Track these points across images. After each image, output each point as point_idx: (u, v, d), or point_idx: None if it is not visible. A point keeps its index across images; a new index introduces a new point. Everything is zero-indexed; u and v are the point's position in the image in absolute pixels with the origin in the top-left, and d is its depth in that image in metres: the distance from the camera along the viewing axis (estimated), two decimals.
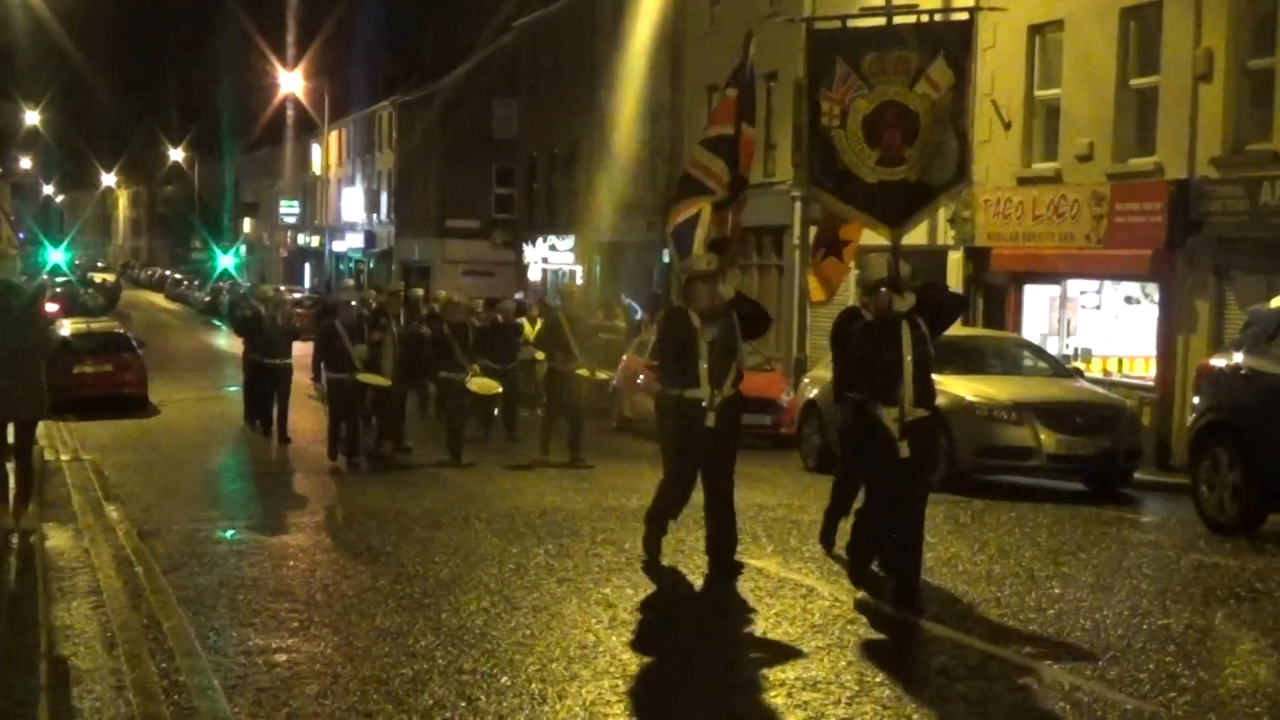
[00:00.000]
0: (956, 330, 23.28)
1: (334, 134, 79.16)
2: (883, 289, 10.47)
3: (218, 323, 69.78)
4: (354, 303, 21.85)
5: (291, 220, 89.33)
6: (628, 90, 41.58)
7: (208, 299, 77.16)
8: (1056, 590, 11.07)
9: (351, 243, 77.39)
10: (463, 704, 7.85)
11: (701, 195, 12.73)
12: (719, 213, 12.62)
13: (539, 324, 24.50)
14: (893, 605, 10.13)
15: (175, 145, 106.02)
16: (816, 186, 12.93)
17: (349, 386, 19.90)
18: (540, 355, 21.77)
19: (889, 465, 10.27)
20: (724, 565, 11.43)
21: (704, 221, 12.55)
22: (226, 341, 50.54)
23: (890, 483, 10.31)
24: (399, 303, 23.31)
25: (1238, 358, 14.39)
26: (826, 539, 12.54)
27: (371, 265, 74.68)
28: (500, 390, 22.15)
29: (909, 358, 10.29)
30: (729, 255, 12.73)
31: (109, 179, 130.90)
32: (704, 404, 11.23)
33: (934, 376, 17.97)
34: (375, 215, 74.42)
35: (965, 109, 12.82)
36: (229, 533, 14.38)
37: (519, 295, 38.74)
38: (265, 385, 23.87)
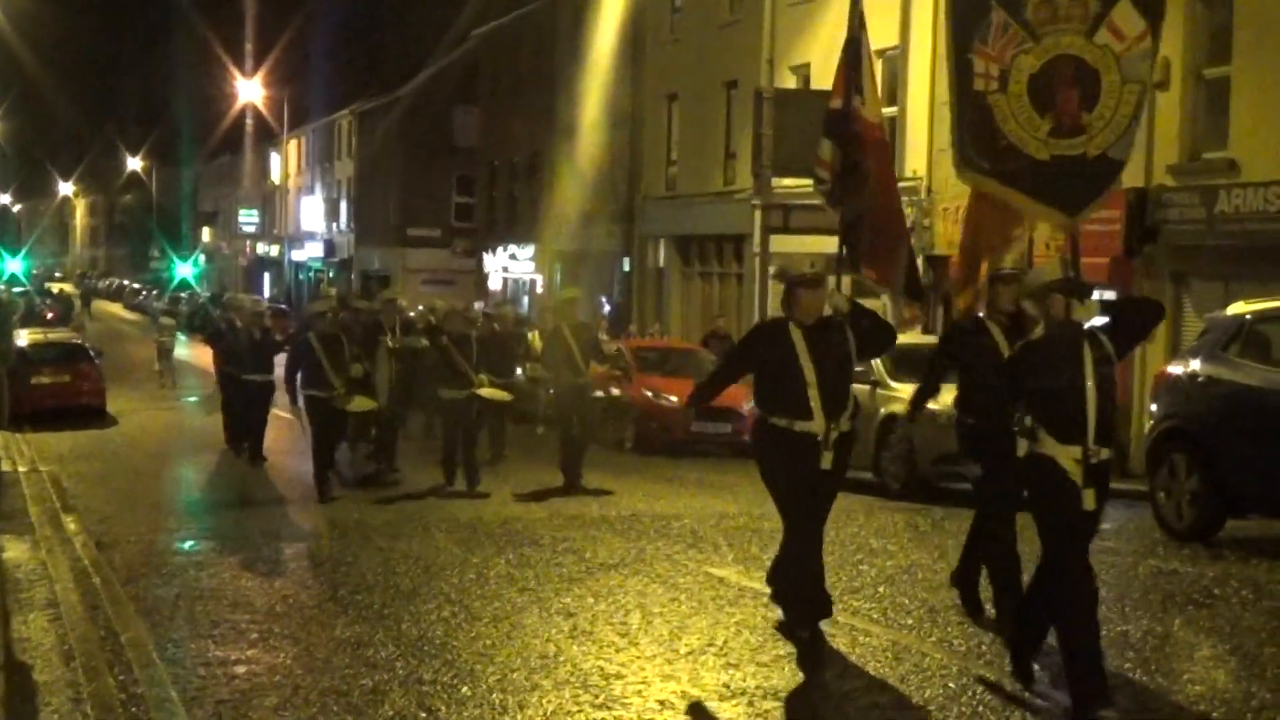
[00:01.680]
0: (915, 338, 23.44)
1: (293, 142, 78.90)
2: (1057, 295, 8.21)
3: (179, 334, 69.34)
4: (328, 313, 19.35)
5: (251, 229, 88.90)
6: (588, 98, 41.61)
7: (166, 308, 76.74)
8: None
9: (311, 252, 77.11)
10: (423, 715, 7.83)
11: (822, 186, 11.01)
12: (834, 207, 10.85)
13: (537, 336, 22.64)
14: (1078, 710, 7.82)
15: (133, 154, 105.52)
16: (969, 169, 10.69)
17: (325, 407, 17.86)
18: (539, 372, 19.85)
19: (1073, 520, 8.04)
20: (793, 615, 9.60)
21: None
22: (186, 352, 50.25)
23: (1075, 542, 8.06)
24: (395, 312, 21.03)
25: (1195, 365, 14.46)
26: (969, 598, 10.39)
27: (331, 274, 74.41)
28: (511, 399, 20.26)
29: (1090, 382, 8.03)
30: (857, 256, 10.77)
31: (66, 188, 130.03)
32: (819, 439, 9.28)
33: (894, 385, 18.35)
34: (335, 224, 74.16)
35: (1153, 66, 10.63)
36: (188, 543, 14.31)
37: (479, 304, 38.61)
38: (242, 403, 21.64)
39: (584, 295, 41.67)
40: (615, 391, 20.67)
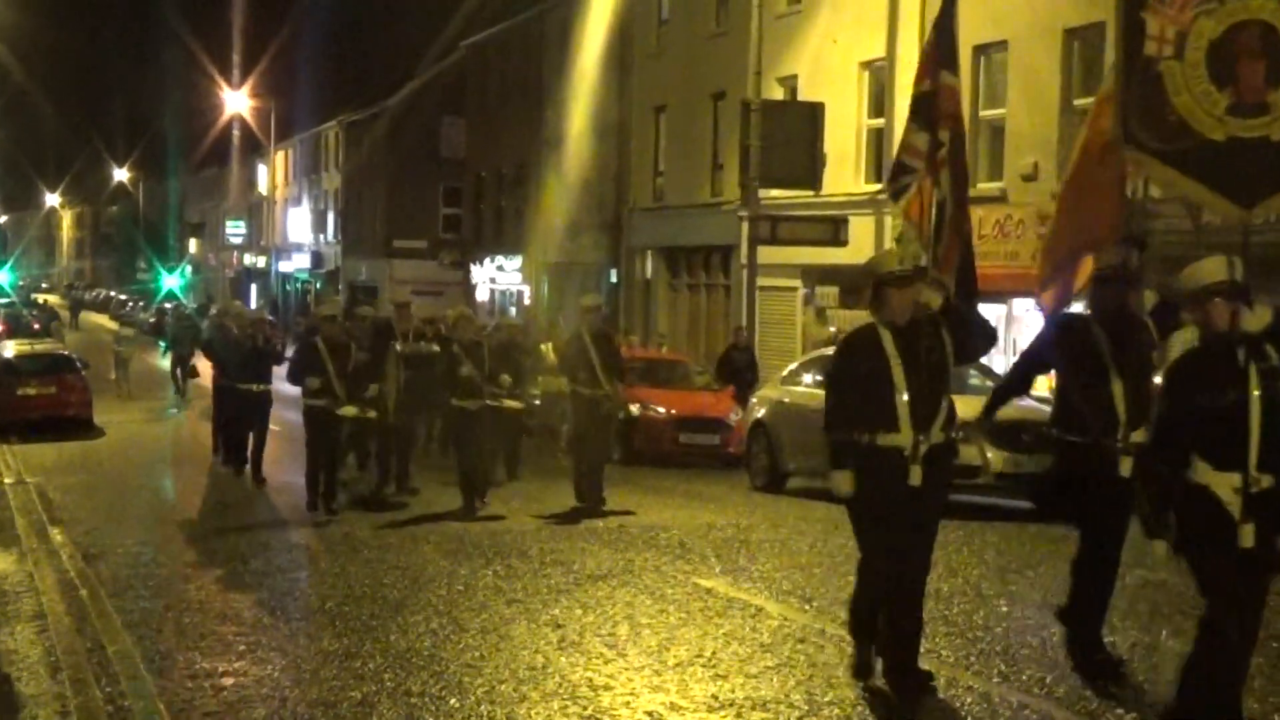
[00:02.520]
0: None
1: (280, 154, 78.84)
2: (1219, 299, 7.23)
3: (162, 343, 69.26)
4: (336, 317, 18.07)
5: (238, 240, 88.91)
6: (576, 110, 41.65)
7: (153, 320, 76.65)
8: (1004, 608, 11.12)
9: (298, 263, 77.07)
10: None
11: (908, 177, 10.30)
12: (919, 194, 10.13)
13: (551, 348, 22.60)
14: None
15: (120, 165, 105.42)
16: (1133, 147, 9.51)
17: (325, 417, 16.91)
18: (554, 385, 19.02)
19: (1230, 560, 7.13)
20: (902, 670, 8.41)
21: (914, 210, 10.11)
22: (167, 363, 50.17)
23: (1231, 588, 7.21)
24: (409, 319, 19.57)
25: None
26: (1088, 655, 8.95)
27: (319, 285, 74.38)
28: (524, 408, 19.32)
29: (1255, 400, 7.03)
30: (937, 252, 9.92)
31: (53, 199, 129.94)
32: (905, 453, 8.23)
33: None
34: (322, 235, 74.13)
35: None
36: (174, 555, 14.25)
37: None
38: (240, 415, 20.78)
39: (572, 307, 41.80)
40: (634, 409, 18.92)
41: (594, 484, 17.14)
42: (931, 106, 10.00)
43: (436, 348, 18.36)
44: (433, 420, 21.67)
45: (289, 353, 20.64)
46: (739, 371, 25.73)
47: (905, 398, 8.18)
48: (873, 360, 8.28)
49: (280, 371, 20.22)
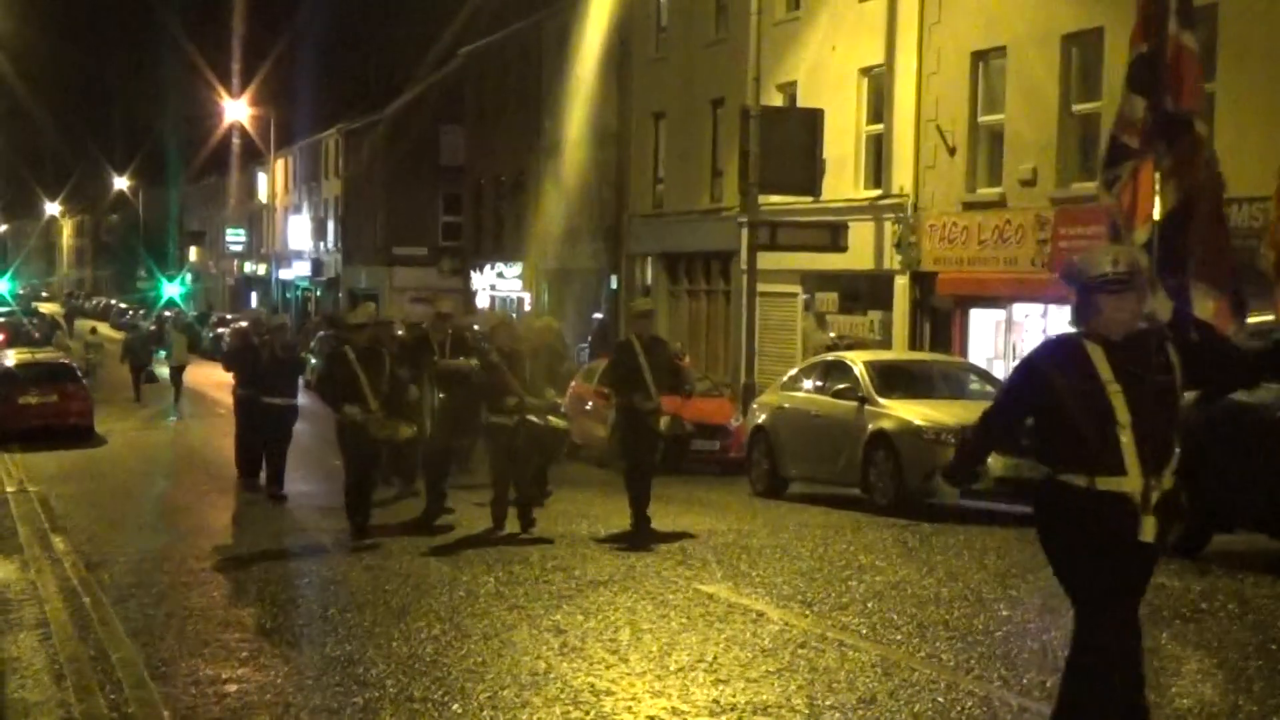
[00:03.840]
0: (903, 355, 23.49)
1: (280, 162, 78.91)
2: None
3: (163, 352, 69.30)
4: (368, 325, 16.65)
5: (238, 248, 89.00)
6: (575, 117, 41.71)
7: (153, 328, 76.78)
8: (1004, 612, 11.14)
9: (299, 271, 77.15)
10: None
11: (1124, 161, 9.18)
12: (1133, 176, 8.87)
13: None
14: None
15: (120, 173, 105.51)
16: None
17: (359, 434, 15.50)
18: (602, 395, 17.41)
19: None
20: None
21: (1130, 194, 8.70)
22: (165, 371, 50.22)
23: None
24: (446, 329, 17.52)
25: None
26: None
27: (319, 293, 74.47)
28: (567, 428, 17.71)
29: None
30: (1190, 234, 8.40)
31: (53, 208, 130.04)
32: (1134, 502, 6.55)
33: (881, 401, 18.40)
34: (322, 243, 74.20)
35: None
36: (177, 563, 14.28)
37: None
38: (262, 430, 19.65)
39: (572, 313, 41.86)
40: (689, 427, 16.82)
41: (640, 504, 15.49)
42: (1153, 68, 8.92)
43: (475, 362, 16.50)
44: (472, 441, 19.21)
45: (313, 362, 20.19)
46: None
47: (1130, 434, 6.54)
48: (1072, 377, 6.59)
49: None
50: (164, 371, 44.15)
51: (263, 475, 20.02)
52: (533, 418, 15.59)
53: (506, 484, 15.65)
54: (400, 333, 19.59)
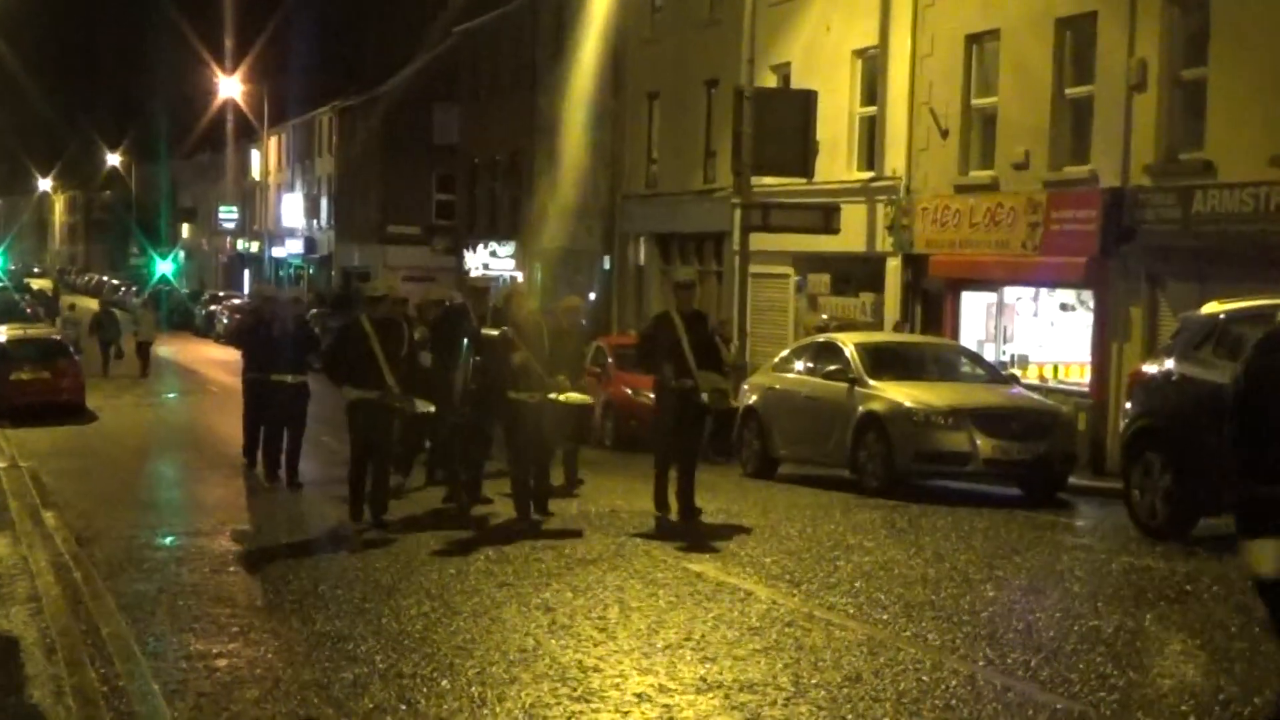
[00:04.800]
0: (894, 337, 23.54)
1: (273, 139, 78.81)
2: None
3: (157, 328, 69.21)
4: (387, 296, 15.48)
5: (230, 226, 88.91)
6: (569, 97, 41.65)
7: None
8: (991, 593, 11.21)
9: (291, 248, 77.13)
10: (403, 707, 7.90)
11: None
12: None
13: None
14: None
15: (112, 150, 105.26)
16: None
17: (377, 412, 14.51)
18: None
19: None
20: None
21: None
22: (165, 348, 50.26)
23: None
24: (485, 302, 16.53)
25: (1169, 364, 14.60)
26: None
27: (312, 271, 74.42)
28: (592, 402, 16.92)
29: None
30: None
31: (45, 184, 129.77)
32: None
33: (872, 383, 18.46)
34: (315, 221, 74.15)
35: None
36: (168, 539, 14.35)
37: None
38: (272, 411, 18.36)
39: (566, 293, 41.70)
40: (731, 399, 15.81)
41: (687, 491, 14.59)
42: None
43: (500, 330, 15.05)
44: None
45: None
46: None
47: None
48: None
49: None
50: (166, 352, 44.29)
51: (260, 461, 18.94)
52: (555, 396, 14.82)
53: (527, 469, 14.76)
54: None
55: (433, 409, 15.35)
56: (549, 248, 44.00)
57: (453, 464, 16.35)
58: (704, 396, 14.49)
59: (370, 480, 14.70)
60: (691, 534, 13.92)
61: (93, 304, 76.54)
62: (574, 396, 15.40)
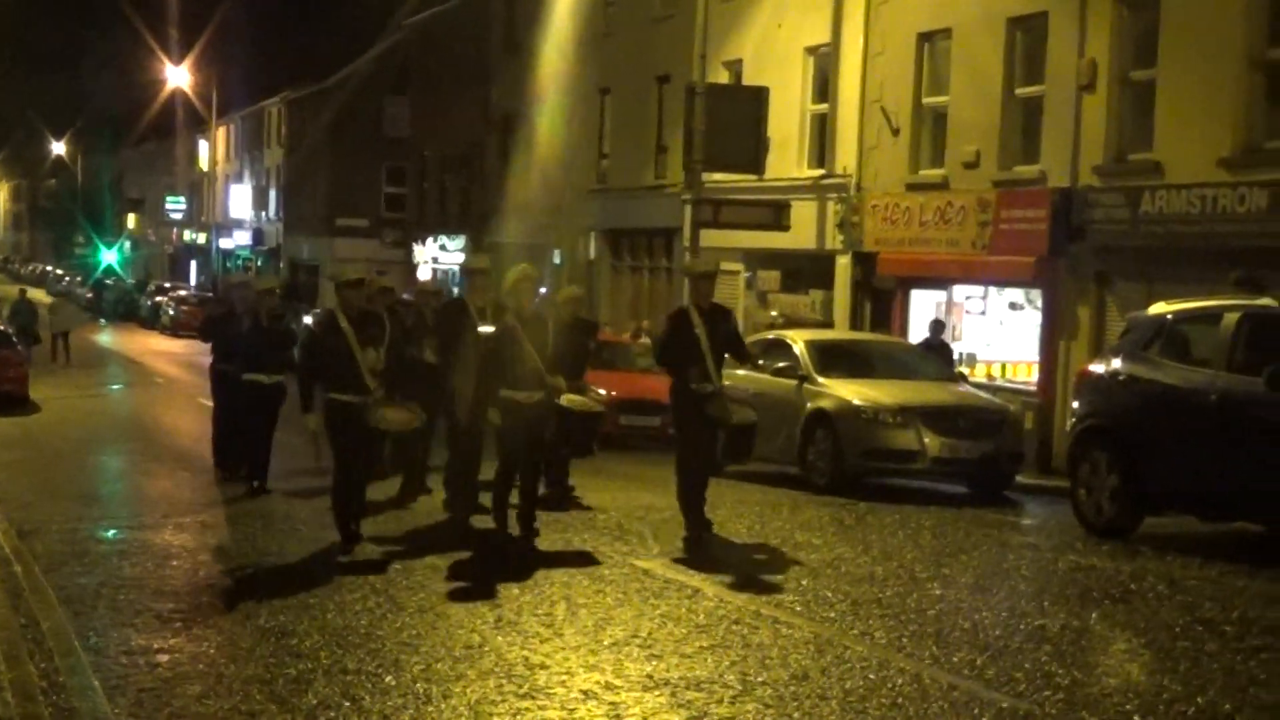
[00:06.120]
0: (843, 334, 23.58)
1: (222, 130, 78.32)
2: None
3: (101, 320, 68.83)
4: (365, 280, 13.58)
5: (178, 216, 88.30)
6: (521, 91, 41.56)
7: (90, 295, 76.32)
8: (937, 591, 11.23)
9: (239, 240, 76.68)
10: (347, 704, 7.83)
11: None
12: None
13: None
14: None
15: (58, 139, 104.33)
16: None
17: (352, 419, 12.56)
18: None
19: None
20: None
21: None
22: (110, 338, 49.91)
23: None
24: (487, 290, 14.96)
25: (1116, 364, 14.67)
26: None
27: (260, 263, 74.01)
28: (603, 411, 15.15)
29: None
30: None
31: None
32: None
33: (821, 380, 18.46)
34: (264, 212, 73.77)
35: None
36: (110, 532, 14.20)
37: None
38: (246, 412, 16.82)
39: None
40: (752, 415, 13.97)
41: (696, 503, 13.32)
42: None
43: (500, 324, 13.34)
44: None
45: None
46: None
47: None
48: None
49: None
50: (108, 339, 43.99)
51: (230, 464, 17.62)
52: (563, 400, 13.33)
53: (511, 477, 13.19)
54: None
55: (422, 419, 13.59)
56: (499, 242, 43.88)
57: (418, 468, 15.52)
58: (713, 408, 13.07)
59: (352, 491, 12.94)
60: (638, 532, 13.88)
61: (41, 295, 76.01)
62: (581, 401, 13.93)
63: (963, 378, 20.95)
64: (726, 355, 13.64)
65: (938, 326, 23.09)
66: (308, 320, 37.93)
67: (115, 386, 36.85)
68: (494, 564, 12.12)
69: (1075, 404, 15.50)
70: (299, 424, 13.60)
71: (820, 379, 18.52)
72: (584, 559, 12.31)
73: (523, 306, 13.09)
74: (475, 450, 14.13)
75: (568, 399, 13.56)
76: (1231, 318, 13.44)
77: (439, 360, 14.51)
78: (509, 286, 13.33)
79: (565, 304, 15.68)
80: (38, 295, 55.09)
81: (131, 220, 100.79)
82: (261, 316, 16.84)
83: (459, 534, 13.58)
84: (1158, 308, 14.87)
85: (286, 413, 15.95)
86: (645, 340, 28.26)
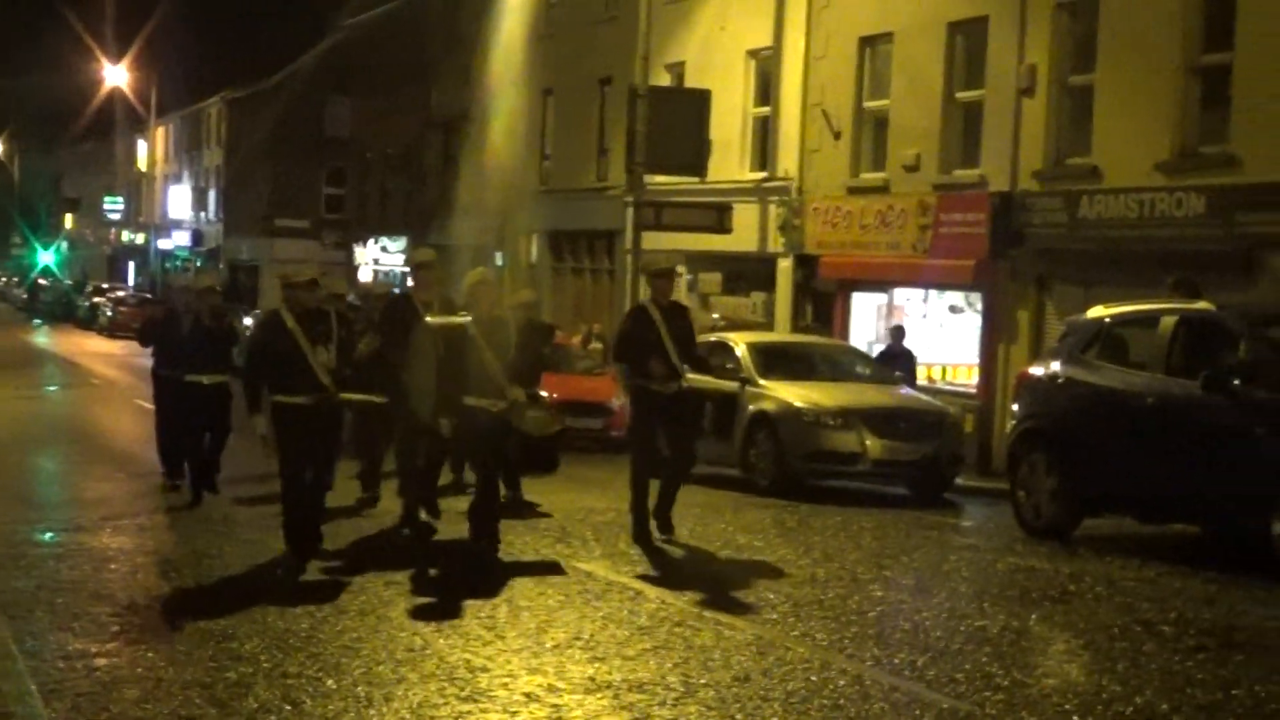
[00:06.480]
0: (785, 337, 23.64)
1: (161, 130, 77.69)
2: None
3: (37, 320, 68.21)
4: (315, 280, 12.74)
5: (116, 217, 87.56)
6: (462, 92, 41.46)
7: (25, 296, 75.61)
8: (879, 593, 11.28)
9: (178, 240, 76.11)
10: (288, 707, 7.78)
11: None
12: None
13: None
14: None
15: None
16: None
17: (301, 418, 11.99)
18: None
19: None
20: None
21: None
22: (47, 340, 49.46)
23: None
24: (432, 284, 14.28)
25: (1055, 367, 14.79)
26: None
27: (199, 264, 73.48)
28: (560, 430, 14.12)
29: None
30: None
31: None
32: None
33: (762, 383, 18.51)
34: (203, 213, 73.27)
35: None
36: (47, 535, 14.06)
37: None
38: (188, 416, 16.24)
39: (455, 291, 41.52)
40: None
41: (666, 504, 13.35)
42: None
43: (464, 323, 12.75)
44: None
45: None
46: None
47: None
48: None
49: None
50: (46, 341, 43.46)
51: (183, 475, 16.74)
52: (526, 425, 12.75)
53: (493, 486, 12.79)
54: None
55: (379, 401, 13.42)
56: (442, 243, 43.72)
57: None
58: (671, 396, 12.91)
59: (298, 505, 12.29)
60: (580, 534, 13.86)
61: None
62: (542, 422, 13.08)
63: (903, 380, 21.06)
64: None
65: (899, 333, 23.15)
66: (248, 321, 37.67)
67: (51, 388, 36.45)
68: (440, 568, 12.08)
69: (1015, 406, 15.61)
70: (246, 427, 13.22)
71: (762, 381, 18.57)
72: (525, 561, 12.28)
73: (482, 311, 12.59)
74: (433, 444, 13.68)
75: (531, 420, 12.81)
76: (1169, 321, 13.58)
77: (390, 357, 13.74)
78: (467, 291, 12.94)
79: (518, 308, 15.14)
80: None
81: (69, 220, 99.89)
82: (203, 316, 16.23)
83: (408, 526, 13.62)
84: (1096, 311, 14.99)
85: (238, 421, 15.51)
86: (597, 345, 28.31)
